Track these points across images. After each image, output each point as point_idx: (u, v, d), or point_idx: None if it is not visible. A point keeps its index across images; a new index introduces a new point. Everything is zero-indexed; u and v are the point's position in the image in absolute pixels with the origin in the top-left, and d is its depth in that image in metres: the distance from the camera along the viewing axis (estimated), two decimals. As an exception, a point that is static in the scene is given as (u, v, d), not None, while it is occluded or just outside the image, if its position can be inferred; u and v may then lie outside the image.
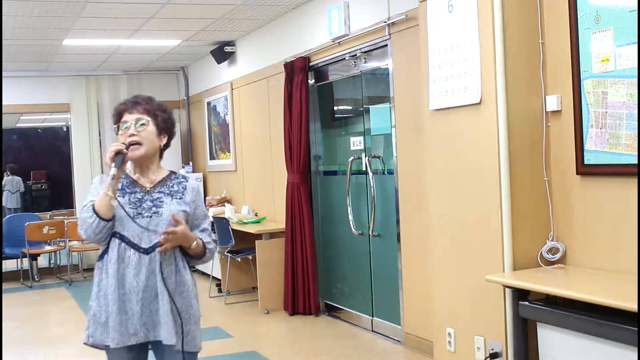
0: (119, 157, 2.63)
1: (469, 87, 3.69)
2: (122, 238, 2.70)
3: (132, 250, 2.69)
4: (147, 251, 2.69)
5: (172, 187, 2.80)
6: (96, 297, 2.75)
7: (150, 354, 2.86)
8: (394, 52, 5.17)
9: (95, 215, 2.64)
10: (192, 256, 2.79)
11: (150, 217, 2.71)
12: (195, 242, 2.74)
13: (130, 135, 2.71)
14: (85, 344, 2.79)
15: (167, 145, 2.87)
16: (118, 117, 2.78)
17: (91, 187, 2.79)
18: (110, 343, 2.69)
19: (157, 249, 2.68)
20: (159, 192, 2.77)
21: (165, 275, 2.70)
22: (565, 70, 3.45)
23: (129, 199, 2.73)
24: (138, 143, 2.71)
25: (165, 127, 2.82)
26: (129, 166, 2.80)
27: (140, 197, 2.75)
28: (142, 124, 2.73)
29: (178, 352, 2.73)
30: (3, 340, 5.73)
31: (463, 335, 3.88)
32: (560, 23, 3.46)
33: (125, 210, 2.70)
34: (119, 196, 2.70)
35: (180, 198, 2.77)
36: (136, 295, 2.68)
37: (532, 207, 3.59)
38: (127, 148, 2.67)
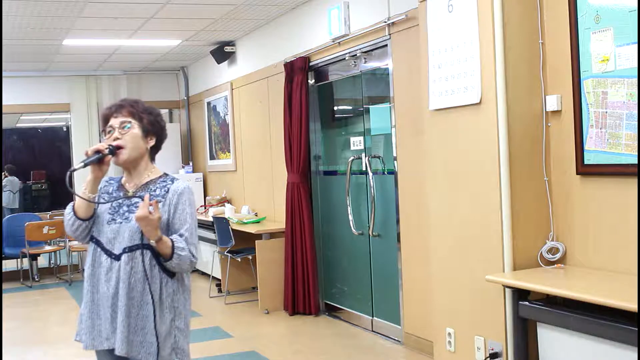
0: (95, 157, 2.61)
1: (469, 87, 3.69)
2: (98, 243, 2.70)
3: (104, 255, 2.68)
4: (118, 257, 2.65)
5: (155, 190, 2.72)
6: (84, 298, 2.77)
7: None
8: (394, 52, 5.17)
9: (72, 213, 2.67)
10: (158, 254, 2.64)
11: (121, 223, 2.67)
12: (159, 240, 2.58)
13: (114, 139, 2.68)
14: (75, 340, 2.81)
15: (157, 148, 2.81)
16: (104, 121, 2.76)
17: None
18: (82, 344, 2.71)
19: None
20: (139, 197, 2.71)
21: (130, 284, 2.63)
22: (565, 70, 3.45)
23: (112, 204, 2.72)
24: (121, 147, 2.67)
25: (152, 129, 2.76)
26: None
27: (120, 201, 2.72)
28: (126, 127, 2.70)
29: None
30: (3, 340, 5.74)
31: (463, 335, 3.88)
32: (560, 23, 3.46)
33: (103, 215, 2.70)
34: (105, 200, 2.70)
35: (160, 202, 2.67)
36: (107, 300, 2.66)
37: (532, 207, 3.59)
38: (112, 153, 2.64)
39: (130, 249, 2.64)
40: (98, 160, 2.62)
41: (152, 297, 2.64)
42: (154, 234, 2.57)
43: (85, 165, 2.60)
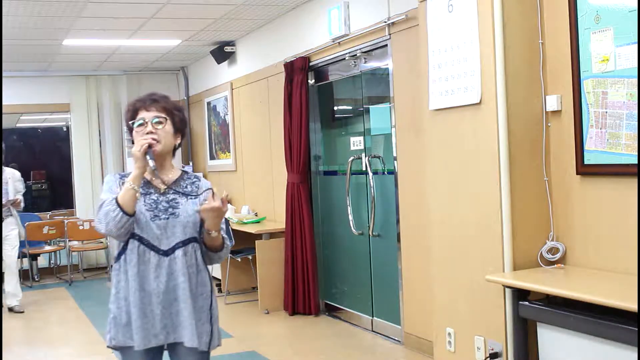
0: (151, 150, 2.63)
1: (469, 87, 3.69)
2: (141, 240, 2.68)
3: (151, 252, 2.68)
4: (166, 253, 2.68)
5: (186, 187, 2.78)
6: (115, 300, 2.73)
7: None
8: (394, 52, 5.17)
9: (119, 209, 2.60)
10: (209, 247, 2.74)
11: (168, 218, 2.69)
12: (218, 232, 2.70)
13: (148, 133, 2.68)
14: (108, 347, 2.78)
15: (179, 145, 2.85)
16: (134, 113, 2.74)
17: (105, 186, 2.77)
18: (133, 345, 2.68)
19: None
20: (174, 192, 2.75)
21: (188, 277, 2.69)
22: (565, 70, 3.45)
23: (145, 201, 2.71)
24: (156, 140, 2.68)
25: (181, 127, 2.80)
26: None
27: (155, 198, 2.72)
28: (159, 122, 2.70)
29: (197, 353, 2.73)
30: (3, 340, 5.74)
31: (463, 335, 3.88)
32: (560, 23, 3.46)
33: (142, 212, 2.68)
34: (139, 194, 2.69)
35: (195, 197, 2.75)
36: (157, 297, 2.67)
37: (532, 207, 3.59)
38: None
39: (184, 243, 2.70)
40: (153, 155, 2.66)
41: (207, 287, 2.76)
42: (219, 225, 2.70)
43: (154, 161, 2.64)
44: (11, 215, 7.29)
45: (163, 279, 2.67)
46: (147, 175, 2.77)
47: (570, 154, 3.45)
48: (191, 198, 2.75)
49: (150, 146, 2.63)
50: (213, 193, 2.63)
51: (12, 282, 7.23)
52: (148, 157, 2.62)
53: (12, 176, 7.39)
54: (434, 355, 4.17)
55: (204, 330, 2.74)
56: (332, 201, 6.44)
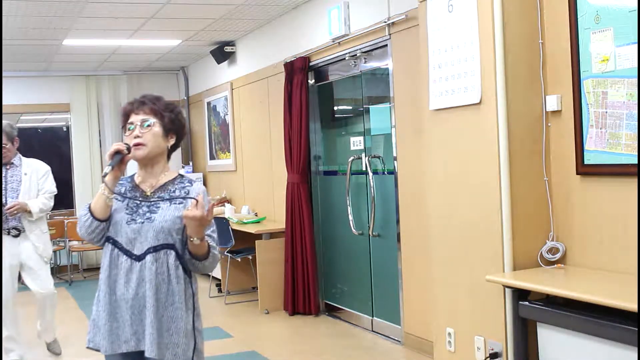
0: (117, 157, 2.59)
1: (469, 87, 3.69)
2: (115, 243, 2.66)
3: (124, 256, 2.64)
4: (138, 258, 2.63)
5: (174, 191, 2.71)
6: (96, 302, 2.72)
7: None
8: (394, 52, 5.17)
9: (89, 214, 2.62)
10: (193, 254, 2.65)
11: (143, 223, 2.64)
12: (202, 239, 2.61)
13: (135, 137, 2.65)
14: (87, 347, 2.76)
15: (176, 146, 2.79)
16: (125, 117, 2.72)
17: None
18: (100, 349, 2.66)
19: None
20: (158, 197, 2.69)
21: (156, 284, 2.61)
22: (565, 70, 3.45)
23: (127, 204, 2.68)
24: (141, 144, 2.65)
25: (173, 128, 2.74)
26: (135, 168, 2.77)
27: (138, 202, 2.68)
28: (148, 125, 2.66)
29: None
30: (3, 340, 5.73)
31: (463, 335, 3.87)
32: (560, 23, 3.46)
33: (121, 215, 2.66)
34: (118, 200, 2.66)
35: (181, 203, 2.67)
36: (126, 303, 2.62)
37: (532, 207, 3.59)
38: (128, 150, 2.63)
39: (155, 249, 2.63)
40: (120, 161, 2.61)
41: (178, 298, 2.65)
42: (202, 233, 2.60)
43: (112, 169, 2.59)
44: (24, 231, 5.10)
45: (133, 284, 2.62)
46: (137, 179, 2.75)
47: (570, 154, 3.45)
48: (175, 203, 2.68)
49: (118, 152, 2.60)
50: (197, 202, 2.54)
51: (45, 318, 5.43)
52: (109, 163, 2.59)
53: (33, 171, 5.33)
54: (434, 355, 4.17)
55: (172, 341, 2.63)
56: (332, 201, 6.44)
